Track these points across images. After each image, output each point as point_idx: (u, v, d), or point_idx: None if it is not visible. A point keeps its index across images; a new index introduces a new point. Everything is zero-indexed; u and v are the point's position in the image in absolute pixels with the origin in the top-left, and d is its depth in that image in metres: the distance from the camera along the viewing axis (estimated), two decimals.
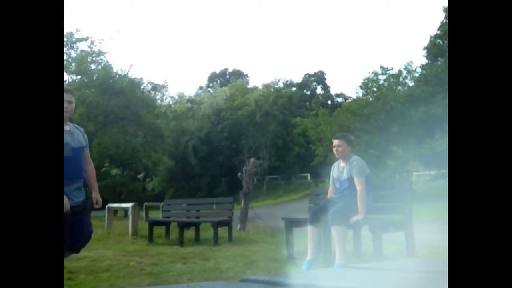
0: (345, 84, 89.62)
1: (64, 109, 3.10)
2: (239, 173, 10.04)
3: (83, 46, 16.54)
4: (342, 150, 4.15)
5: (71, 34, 16.18)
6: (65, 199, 3.15)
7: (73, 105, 3.24)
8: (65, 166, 3.02)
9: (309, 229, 4.08)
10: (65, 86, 3.26)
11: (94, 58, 16.51)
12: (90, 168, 3.31)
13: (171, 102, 39.63)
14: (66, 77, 16.40)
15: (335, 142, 4.20)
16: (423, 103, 22.48)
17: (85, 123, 16.49)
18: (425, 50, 26.64)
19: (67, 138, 3.09)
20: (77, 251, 3.28)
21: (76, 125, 3.36)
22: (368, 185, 4.04)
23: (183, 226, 7.09)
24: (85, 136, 3.30)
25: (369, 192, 4.05)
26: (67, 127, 3.15)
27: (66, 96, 3.15)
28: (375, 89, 26.32)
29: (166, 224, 7.84)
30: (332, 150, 4.42)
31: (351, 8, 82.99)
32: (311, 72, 51.73)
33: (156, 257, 5.15)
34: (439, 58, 24.88)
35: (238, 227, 8.72)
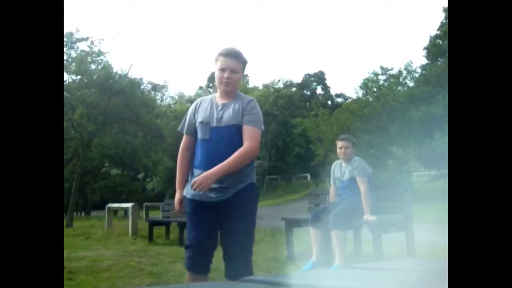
0: (345, 84, 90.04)
1: (226, 79, 2.37)
2: None
3: (83, 46, 16.52)
4: (350, 152, 4.15)
5: (71, 34, 16.16)
6: (178, 197, 2.50)
7: (239, 75, 2.43)
8: (200, 151, 2.39)
9: (312, 231, 4.11)
10: (231, 49, 2.41)
11: (94, 58, 16.49)
12: (241, 147, 2.34)
13: (171, 102, 39.61)
14: (66, 77, 16.39)
15: (342, 143, 4.17)
16: (423, 103, 22.51)
17: (85, 123, 16.49)
18: (425, 50, 26.70)
19: (211, 115, 2.40)
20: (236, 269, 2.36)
21: (243, 94, 2.54)
22: (370, 185, 4.06)
23: (183, 226, 7.07)
24: (255, 109, 2.42)
25: (372, 192, 4.06)
26: (223, 101, 2.44)
27: (230, 63, 2.37)
28: (375, 89, 26.33)
29: (166, 224, 7.84)
30: (332, 150, 4.48)
31: (351, 8, 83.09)
32: (311, 72, 52.02)
33: (156, 257, 5.15)
34: (439, 58, 24.93)
35: None
